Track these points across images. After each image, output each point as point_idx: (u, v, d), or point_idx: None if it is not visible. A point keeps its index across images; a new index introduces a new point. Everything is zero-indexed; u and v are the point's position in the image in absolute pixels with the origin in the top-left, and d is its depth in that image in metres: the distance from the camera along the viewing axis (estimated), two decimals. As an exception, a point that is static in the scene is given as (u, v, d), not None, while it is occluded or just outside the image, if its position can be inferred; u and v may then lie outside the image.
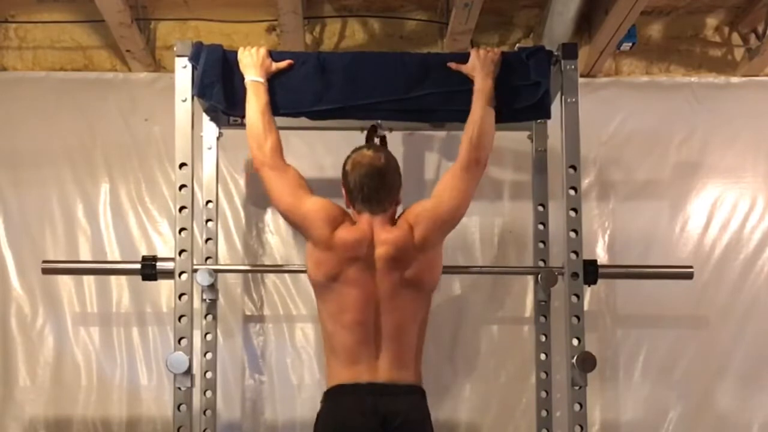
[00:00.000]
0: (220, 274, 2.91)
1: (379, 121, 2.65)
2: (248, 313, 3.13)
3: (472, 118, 2.43)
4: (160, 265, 2.55)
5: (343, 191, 2.38)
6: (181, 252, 2.48)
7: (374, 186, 2.31)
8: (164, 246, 3.11)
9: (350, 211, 2.38)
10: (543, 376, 2.89)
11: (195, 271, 2.51)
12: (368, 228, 2.31)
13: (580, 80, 2.58)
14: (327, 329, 2.33)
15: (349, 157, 2.37)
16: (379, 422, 2.20)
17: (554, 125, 2.66)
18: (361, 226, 2.32)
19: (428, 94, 2.53)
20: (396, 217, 2.37)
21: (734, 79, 3.32)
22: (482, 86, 2.46)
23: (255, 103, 2.43)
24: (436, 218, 2.34)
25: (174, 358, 2.41)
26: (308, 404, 3.01)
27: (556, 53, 2.57)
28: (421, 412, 2.30)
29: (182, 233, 2.49)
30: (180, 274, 2.48)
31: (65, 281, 3.09)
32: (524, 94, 2.53)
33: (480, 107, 2.43)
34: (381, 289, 2.28)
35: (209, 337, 2.88)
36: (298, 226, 2.39)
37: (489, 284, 3.15)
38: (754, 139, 3.26)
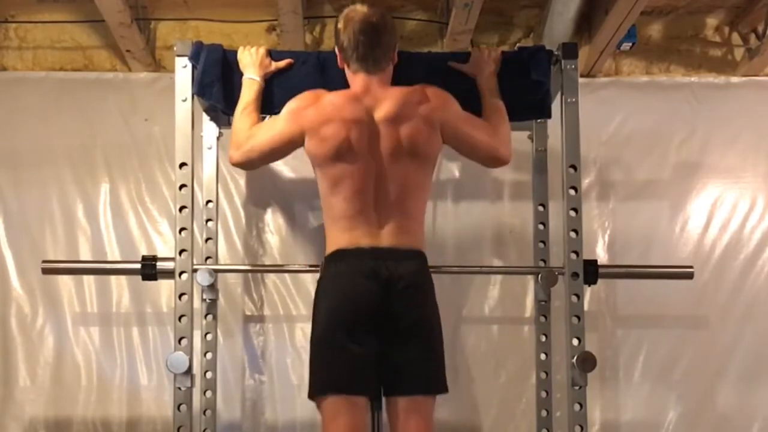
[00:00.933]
0: (220, 274, 2.91)
1: None
2: (248, 313, 3.13)
3: (491, 109, 2.44)
4: (160, 265, 2.55)
5: (336, 51, 2.32)
6: (181, 252, 2.49)
7: (369, 43, 2.25)
8: (164, 246, 3.10)
9: (346, 71, 2.33)
10: (543, 376, 2.89)
11: (195, 271, 2.51)
12: (363, 88, 2.26)
13: (580, 80, 2.59)
14: (327, 200, 2.29)
15: (341, 15, 2.30)
16: (382, 285, 2.18)
17: (554, 125, 2.67)
18: (354, 87, 2.27)
19: (428, 94, 2.53)
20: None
21: (734, 79, 3.32)
22: (487, 84, 2.47)
23: (242, 99, 2.45)
24: (455, 118, 2.33)
25: (174, 358, 2.41)
26: (308, 404, 2.94)
27: (556, 53, 2.57)
28: (424, 276, 2.27)
29: (182, 233, 2.49)
30: (180, 274, 2.48)
31: (65, 281, 3.09)
32: (524, 94, 2.54)
33: (494, 100, 2.45)
34: (382, 155, 2.24)
35: (209, 337, 2.88)
36: (291, 139, 2.31)
37: (489, 284, 3.15)
38: (754, 139, 3.26)
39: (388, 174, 2.25)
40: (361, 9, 2.28)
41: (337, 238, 2.26)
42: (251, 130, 2.38)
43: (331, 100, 2.27)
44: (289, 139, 2.33)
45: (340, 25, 2.29)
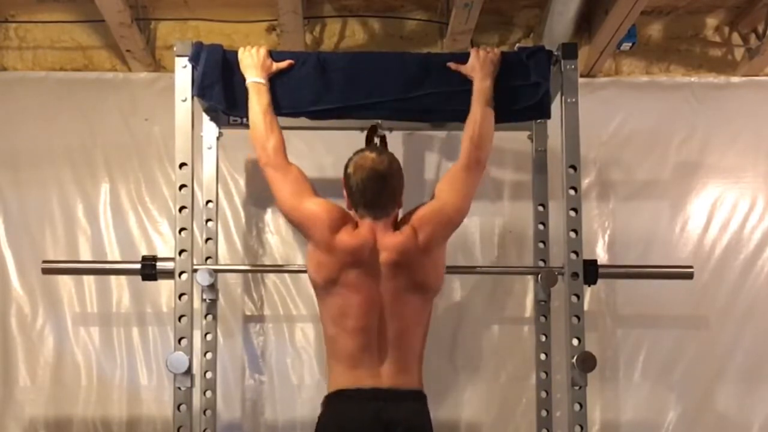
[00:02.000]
0: (220, 274, 2.91)
1: (379, 121, 2.64)
2: (248, 313, 3.13)
3: (472, 118, 2.43)
4: (160, 265, 2.54)
5: (345, 193, 2.35)
6: (181, 252, 2.48)
7: (377, 190, 2.28)
8: (164, 246, 3.11)
9: (352, 213, 2.35)
10: (543, 376, 2.88)
11: (195, 271, 2.51)
12: (370, 234, 2.28)
13: (580, 80, 2.58)
14: (328, 333, 2.31)
15: (351, 159, 2.33)
16: (382, 429, 2.18)
17: (554, 125, 2.66)
18: (363, 231, 2.29)
19: (428, 94, 2.52)
20: (398, 219, 2.34)
21: (734, 79, 3.32)
22: (481, 87, 2.46)
23: (257, 103, 2.42)
24: (441, 220, 2.32)
25: (174, 358, 2.41)
26: (308, 404, 3.02)
27: (556, 53, 2.57)
28: (423, 419, 2.27)
29: (182, 233, 2.49)
30: (180, 274, 2.47)
31: (65, 281, 3.09)
32: (524, 94, 2.53)
33: (479, 108, 2.43)
34: (384, 294, 2.25)
35: (209, 337, 2.88)
36: (299, 226, 2.36)
37: (489, 284, 3.15)
38: (754, 139, 3.26)
39: (391, 312, 2.25)
40: (370, 156, 2.29)
41: (339, 377, 2.27)
42: (287, 163, 2.36)
43: (343, 240, 2.25)
44: (297, 223, 2.35)
45: (350, 170, 2.30)
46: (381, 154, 2.34)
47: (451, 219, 2.35)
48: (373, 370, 2.24)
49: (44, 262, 2.71)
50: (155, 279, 2.58)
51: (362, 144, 2.52)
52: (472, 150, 2.39)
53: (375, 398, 2.21)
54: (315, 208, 2.31)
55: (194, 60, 2.50)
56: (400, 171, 2.35)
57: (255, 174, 3.11)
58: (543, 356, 2.89)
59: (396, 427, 2.19)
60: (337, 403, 2.25)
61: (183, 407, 2.43)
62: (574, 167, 2.54)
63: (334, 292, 2.27)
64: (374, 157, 2.30)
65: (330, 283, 2.27)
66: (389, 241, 2.27)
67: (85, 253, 3.12)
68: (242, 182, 3.17)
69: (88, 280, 3.11)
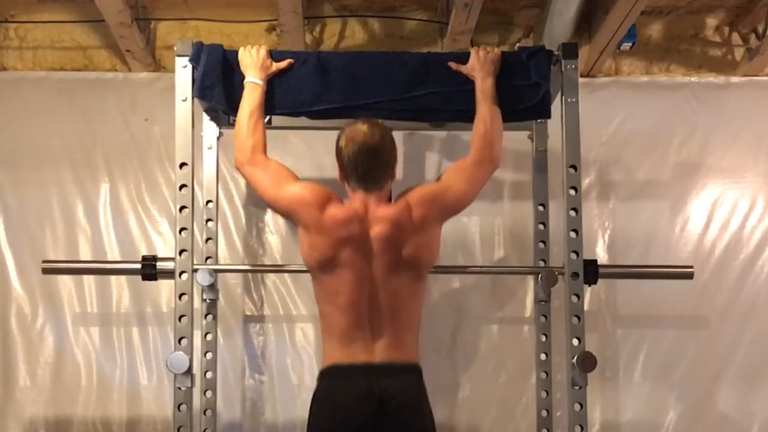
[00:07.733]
0: (220, 274, 2.91)
1: (380, 121, 2.64)
2: (248, 313, 3.13)
3: (479, 117, 2.43)
4: (160, 265, 2.54)
5: (337, 166, 2.33)
6: (181, 252, 2.48)
7: (369, 164, 2.26)
8: (164, 246, 3.10)
9: (345, 186, 2.33)
10: (543, 376, 2.89)
11: (195, 271, 2.51)
12: (362, 206, 2.27)
13: (580, 80, 2.58)
14: (322, 310, 2.30)
15: (342, 131, 2.31)
16: (376, 403, 2.17)
17: (554, 125, 2.66)
18: (354, 204, 2.28)
19: (428, 94, 2.53)
20: (395, 202, 2.31)
21: (734, 79, 3.32)
22: (484, 86, 2.47)
23: (246, 103, 2.43)
24: (440, 202, 2.32)
25: (174, 358, 2.41)
26: (308, 404, 3.01)
27: (556, 53, 2.57)
28: (419, 392, 2.26)
29: (182, 233, 2.49)
30: (180, 274, 2.47)
31: (65, 281, 3.09)
32: (524, 94, 2.53)
33: (486, 106, 2.44)
34: (376, 270, 2.24)
35: (209, 337, 2.88)
36: (287, 214, 2.37)
37: (489, 284, 3.15)
38: (754, 139, 3.26)
39: (383, 288, 2.24)
40: (361, 128, 2.27)
41: (332, 352, 2.26)
42: (264, 158, 2.36)
43: (333, 214, 2.25)
44: (285, 211, 2.36)
45: (341, 143, 2.28)
46: (373, 126, 2.29)
47: (448, 206, 2.35)
48: (366, 345, 2.23)
49: (44, 262, 2.71)
50: (155, 279, 2.58)
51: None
52: (484, 147, 2.39)
53: (368, 373, 2.20)
54: (298, 190, 2.30)
55: (195, 60, 2.50)
56: (393, 143, 2.32)
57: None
58: (543, 356, 2.89)
59: (390, 401, 2.17)
60: (330, 379, 2.25)
61: (183, 407, 2.43)
62: (574, 167, 2.54)
63: (327, 271, 2.25)
64: (366, 130, 2.27)
65: (323, 263, 2.25)
66: (381, 213, 2.26)
67: (85, 253, 3.12)
68: (242, 182, 3.16)
69: (88, 280, 3.11)
